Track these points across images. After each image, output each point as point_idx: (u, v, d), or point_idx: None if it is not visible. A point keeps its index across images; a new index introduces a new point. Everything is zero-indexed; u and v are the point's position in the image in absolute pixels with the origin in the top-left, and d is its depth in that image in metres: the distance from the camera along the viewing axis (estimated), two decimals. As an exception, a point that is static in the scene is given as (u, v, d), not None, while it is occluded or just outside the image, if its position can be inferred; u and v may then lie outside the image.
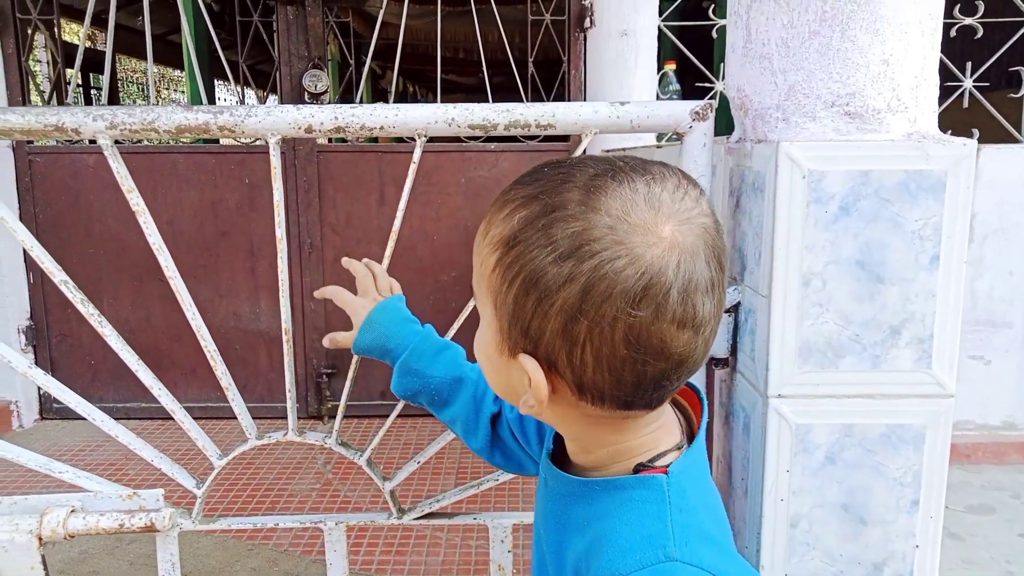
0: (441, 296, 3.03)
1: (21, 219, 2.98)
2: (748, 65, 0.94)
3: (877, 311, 0.88)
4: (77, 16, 5.43)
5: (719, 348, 1.02)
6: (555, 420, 0.64)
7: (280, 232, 1.01)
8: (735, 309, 1.01)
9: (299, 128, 0.96)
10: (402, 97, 9.72)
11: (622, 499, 0.60)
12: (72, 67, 2.94)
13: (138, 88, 11.65)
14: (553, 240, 0.53)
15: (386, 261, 1.04)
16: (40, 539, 1.01)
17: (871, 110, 0.87)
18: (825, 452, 0.91)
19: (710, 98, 2.61)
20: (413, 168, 1.01)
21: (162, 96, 11.83)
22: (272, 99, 3.28)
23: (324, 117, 0.96)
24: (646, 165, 0.57)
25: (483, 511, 1.14)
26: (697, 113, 0.97)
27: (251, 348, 3.07)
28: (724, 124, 3.04)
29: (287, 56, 2.86)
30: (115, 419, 1.10)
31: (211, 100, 6.15)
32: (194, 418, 3.21)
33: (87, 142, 2.55)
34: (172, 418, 3.43)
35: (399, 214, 1.02)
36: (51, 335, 3.06)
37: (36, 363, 3.07)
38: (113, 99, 6.76)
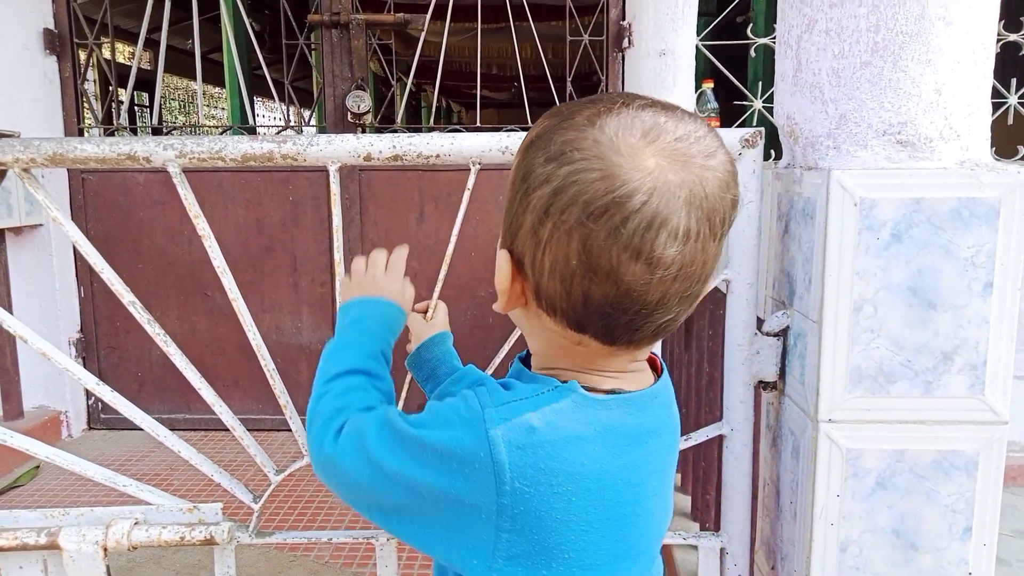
0: (478, 311, 3.06)
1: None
2: (798, 94, 0.96)
3: (929, 337, 0.88)
4: (124, 37, 5.59)
5: (767, 371, 1.03)
6: (524, 328, 0.67)
7: (339, 256, 1.05)
8: (783, 333, 1.02)
9: (358, 156, 1.00)
10: (439, 112, 9.83)
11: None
12: (113, 85, 3.03)
13: (179, 104, 11.92)
14: (549, 145, 0.56)
15: (439, 286, 1.07)
16: (105, 550, 1.05)
17: (923, 138, 0.88)
18: (876, 477, 0.92)
19: (747, 117, 2.60)
20: (467, 196, 1.03)
21: (203, 112, 12.06)
22: (310, 116, 3.35)
23: (383, 146, 1.00)
24: (675, 109, 0.57)
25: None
26: (747, 140, 0.98)
27: (292, 362, 3.12)
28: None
29: (331, 78, 2.92)
30: None
31: (252, 117, 6.29)
32: (238, 431, 3.20)
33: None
34: (215, 429, 3.49)
35: (452, 239, 1.05)
36: (100, 347, 3.15)
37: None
38: (159, 117, 6.93)
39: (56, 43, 2.94)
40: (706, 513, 1.91)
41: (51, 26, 2.93)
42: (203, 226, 1.04)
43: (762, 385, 1.05)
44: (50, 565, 1.07)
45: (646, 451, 0.64)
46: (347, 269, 0.93)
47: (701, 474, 1.97)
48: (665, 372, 0.69)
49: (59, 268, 3.04)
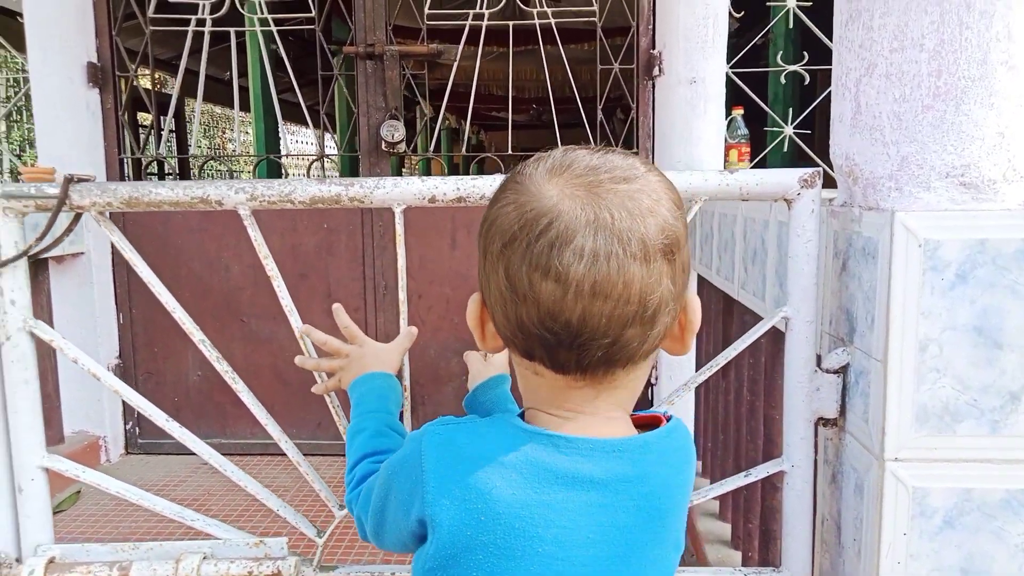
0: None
1: (114, 263, 3.14)
2: (858, 135, 0.97)
3: (996, 376, 0.89)
4: (158, 67, 5.69)
5: (827, 408, 1.04)
6: (513, 366, 0.71)
7: (402, 296, 1.07)
8: (843, 370, 1.03)
9: (424, 199, 1.03)
10: (457, 134, 9.92)
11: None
12: (142, 111, 3.10)
13: (202, 128, 12.11)
14: (493, 196, 0.65)
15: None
16: (176, 584, 1.06)
17: (986, 180, 0.89)
18: (943, 516, 0.92)
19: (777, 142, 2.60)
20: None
21: (224, 136, 12.25)
22: (343, 144, 3.39)
23: (447, 188, 1.02)
24: (607, 150, 0.63)
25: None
26: (805, 180, 1.00)
27: (326, 387, 3.16)
28: (779, 164, 3.01)
29: (365, 107, 2.98)
30: (197, 455, 1.16)
31: (277, 141, 6.38)
32: (271, 454, 3.28)
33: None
34: (251, 454, 3.50)
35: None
36: (137, 372, 3.20)
37: (123, 399, 3.21)
38: (182, 142, 7.06)
39: (99, 76, 3.01)
40: (748, 543, 1.91)
41: (94, 59, 3.01)
42: (272, 267, 1.07)
43: (822, 422, 1.05)
44: (120, 598, 1.09)
45: (584, 500, 0.63)
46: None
47: (742, 502, 1.97)
48: (662, 433, 0.68)
49: (99, 296, 3.10)
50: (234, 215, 1.07)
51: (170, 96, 3.25)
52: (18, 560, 1.11)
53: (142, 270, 1.08)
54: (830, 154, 1.06)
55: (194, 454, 3.53)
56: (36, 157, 3.00)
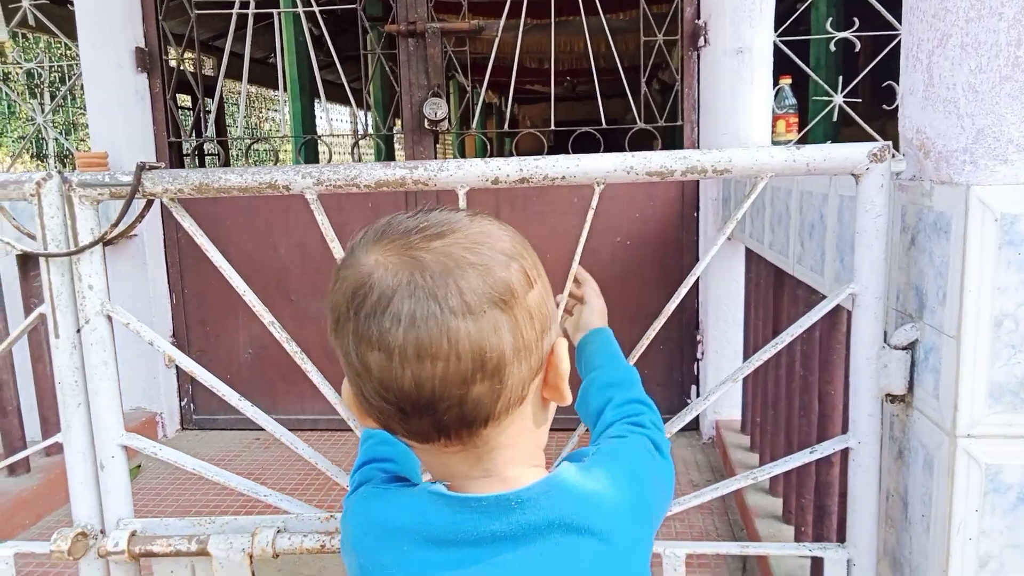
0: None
1: (166, 243, 3.21)
2: (930, 108, 0.95)
3: (1074, 353, 0.87)
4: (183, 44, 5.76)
5: (895, 385, 1.03)
6: None
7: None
8: (912, 346, 1.02)
9: (487, 180, 1.03)
10: (491, 109, 9.88)
11: None
12: (200, 96, 3.15)
13: (235, 107, 12.23)
14: None
15: (564, 296, 1.10)
16: (251, 557, 1.10)
17: (1067, 152, 0.87)
18: (1017, 493, 0.91)
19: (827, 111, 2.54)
20: (591, 215, 1.06)
21: (260, 115, 12.36)
22: (388, 122, 3.41)
23: (510, 169, 1.03)
24: (434, 208, 0.62)
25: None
26: (874, 155, 0.98)
27: (373, 364, 3.21)
28: (822, 134, 2.94)
29: (408, 85, 2.98)
30: (249, 430, 1.19)
31: (312, 120, 6.43)
32: (320, 430, 3.36)
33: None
34: (301, 429, 3.61)
35: (577, 256, 1.08)
36: (191, 351, 3.28)
37: (178, 377, 3.30)
38: (219, 123, 7.14)
39: (147, 60, 3.06)
40: (801, 517, 1.91)
41: (142, 44, 3.06)
42: (337, 248, 1.08)
43: (889, 398, 1.05)
44: (198, 571, 1.13)
45: (485, 555, 0.59)
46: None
47: (794, 476, 1.97)
48: (555, 476, 0.63)
49: (152, 276, 3.17)
50: (280, 195, 1.09)
51: (206, 77, 3.29)
52: (102, 532, 1.16)
53: (213, 255, 1.11)
54: (899, 127, 1.04)
55: (247, 429, 3.62)
56: (81, 140, 3.06)
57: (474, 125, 3.25)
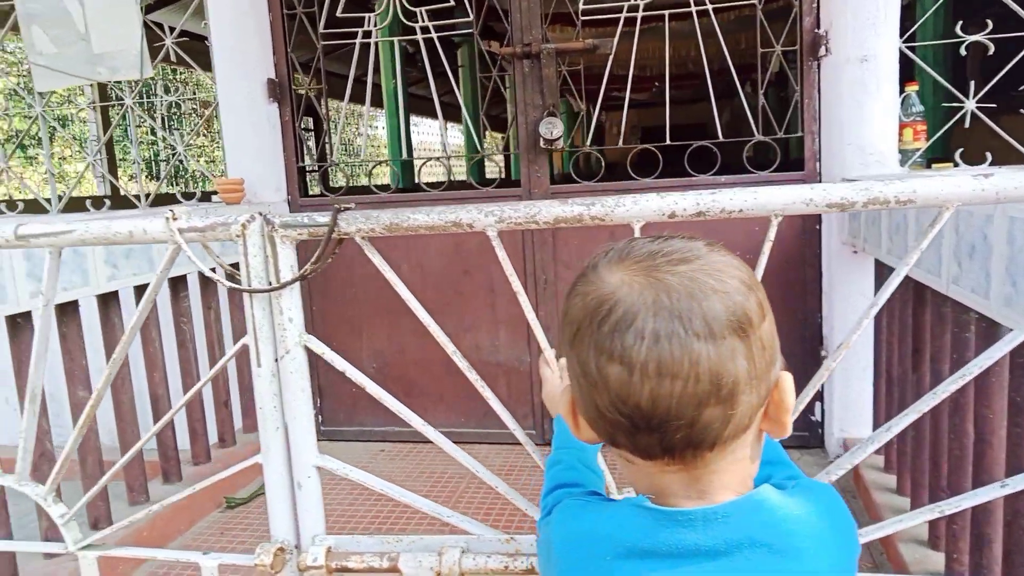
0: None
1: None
2: None
3: None
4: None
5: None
6: None
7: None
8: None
9: (663, 215, 1.06)
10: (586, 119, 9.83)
11: None
12: (326, 126, 3.29)
13: (332, 125, 12.69)
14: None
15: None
16: (438, 575, 1.17)
17: None
18: None
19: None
20: (768, 247, 1.08)
21: (359, 132, 12.78)
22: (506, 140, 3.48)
23: (687, 204, 1.05)
24: (670, 237, 0.65)
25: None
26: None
27: (491, 378, 3.27)
28: (941, 148, 2.83)
29: (523, 106, 3.05)
30: (374, 441, 1.25)
31: (408, 136, 6.62)
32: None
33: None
34: (423, 442, 3.69)
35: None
36: (319, 366, 3.44)
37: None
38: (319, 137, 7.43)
39: (277, 91, 3.24)
40: (952, 544, 1.83)
41: (273, 76, 3.24)
42: (514, 279, 1.14)
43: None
44: (386, 585, 1.21)
45: (693, 571, 0.61)
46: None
47: (957, 528, 1.86)
48: (757, 494, 0.65)
49: (283, 295, 3.36)
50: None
51: (319, 102, 3.44)
52: (296, 547, 1.25)
53: (401, 290, 1.18)
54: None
55: (372, 441, 3.73)
56: (220, 169, 3.26)
57: (588, 142, 3.28)
